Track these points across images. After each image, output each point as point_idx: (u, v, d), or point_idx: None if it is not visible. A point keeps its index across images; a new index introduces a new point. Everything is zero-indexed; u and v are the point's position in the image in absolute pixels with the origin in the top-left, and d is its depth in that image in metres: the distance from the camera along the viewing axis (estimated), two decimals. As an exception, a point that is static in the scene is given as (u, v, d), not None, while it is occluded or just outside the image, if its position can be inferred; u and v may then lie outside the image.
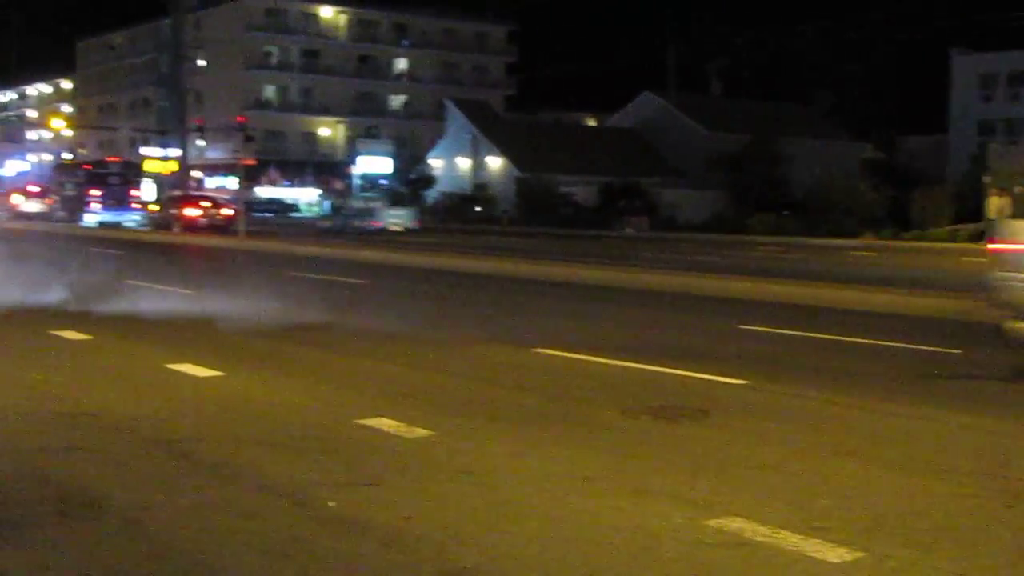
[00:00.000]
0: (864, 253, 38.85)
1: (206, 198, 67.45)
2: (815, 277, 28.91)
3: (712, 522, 7.28)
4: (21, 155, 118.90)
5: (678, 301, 23.12)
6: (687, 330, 18.31)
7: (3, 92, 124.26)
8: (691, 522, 7.31)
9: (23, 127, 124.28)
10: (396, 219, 62.60)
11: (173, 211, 63.23)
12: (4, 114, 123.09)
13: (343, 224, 63.53)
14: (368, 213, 64.36)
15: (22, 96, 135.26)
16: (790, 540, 6.89)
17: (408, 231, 59.64)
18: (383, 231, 64.35)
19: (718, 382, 12.82)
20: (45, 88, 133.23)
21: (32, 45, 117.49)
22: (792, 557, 6.64)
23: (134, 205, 68.24)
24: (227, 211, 63.59)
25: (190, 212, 62.12)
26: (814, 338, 17.29)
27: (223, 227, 59.64)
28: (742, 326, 18.46)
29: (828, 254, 42.30)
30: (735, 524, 7.21)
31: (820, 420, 11.04)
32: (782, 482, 8.50)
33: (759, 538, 6.96)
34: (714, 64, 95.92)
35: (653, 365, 13.89)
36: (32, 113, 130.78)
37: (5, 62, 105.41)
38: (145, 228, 63.37)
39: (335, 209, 71.47)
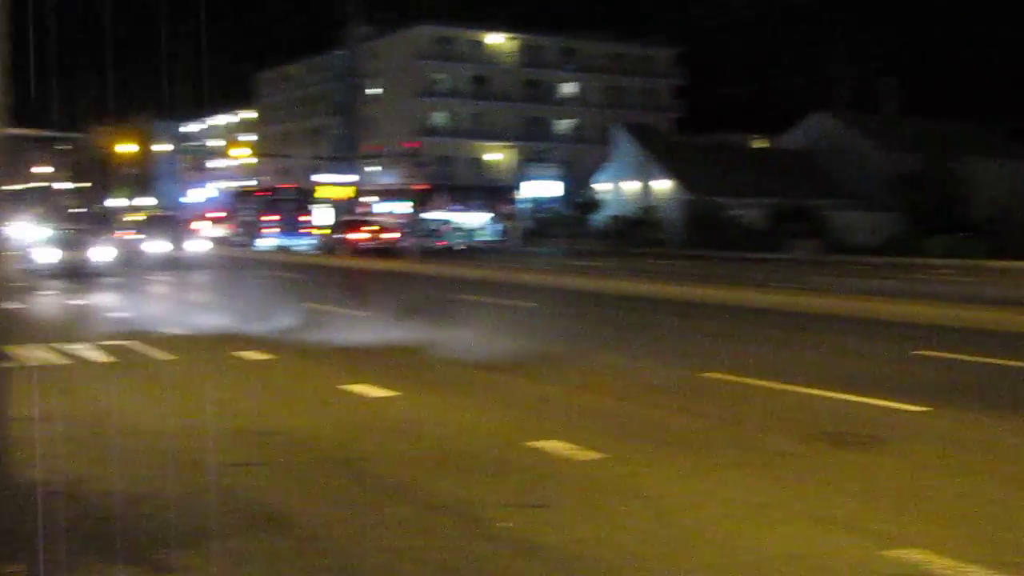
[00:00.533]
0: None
1: (372, 222, 68.23)
2: (996, 302, 27.72)
3: (890, 553, 7.12)
4: (203, 183, 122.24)
5: (850, 326, 22.59)
6: (860, 355, 17.87)
7: (189, 123, 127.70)
8: (868, 553, 7.17)
9: (206, 156, 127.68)
10: (460, 237, 63.74)
11: (339, 235, 64.22)
12: (189, 144, 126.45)
13: (417, 242, 64.04)
14: (436, 232, 66.09)
15: (206, 127, 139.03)
16: (978, 572, 6.66)
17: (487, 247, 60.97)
18: (449, 248, 67.73)
19: (894, 409, 12.48)
20: (227, 119, 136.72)
21: (214, 78, 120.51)
22: None
23: (305, 230, 69.52)
24: (392, 234, 64.44)
25: (354, 236, 62.96)
26: (996, 364, 16.62)
27: (388, 250, 60.27)
28: (917, 352, 17.93)
29: (1011, 277, 40.87)
30: (915, 556, 7.03)
31: (1003, 450, 10.63)
32: (964, 513, 8.25)
33: (939, 571, 6.76)
34: (887, 81, 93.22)
35: (825, 391, 13.61)
36: (215, 143, 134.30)
37: (189, 95, 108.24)
38: (316, 252, 64.50)
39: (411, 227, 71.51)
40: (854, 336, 20.60)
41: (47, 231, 44.28)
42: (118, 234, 53.37)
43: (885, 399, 12.94)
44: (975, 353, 17.41)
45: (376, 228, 65.42)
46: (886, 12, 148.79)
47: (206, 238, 57.56)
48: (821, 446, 10.59)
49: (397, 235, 65.91)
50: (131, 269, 40.65)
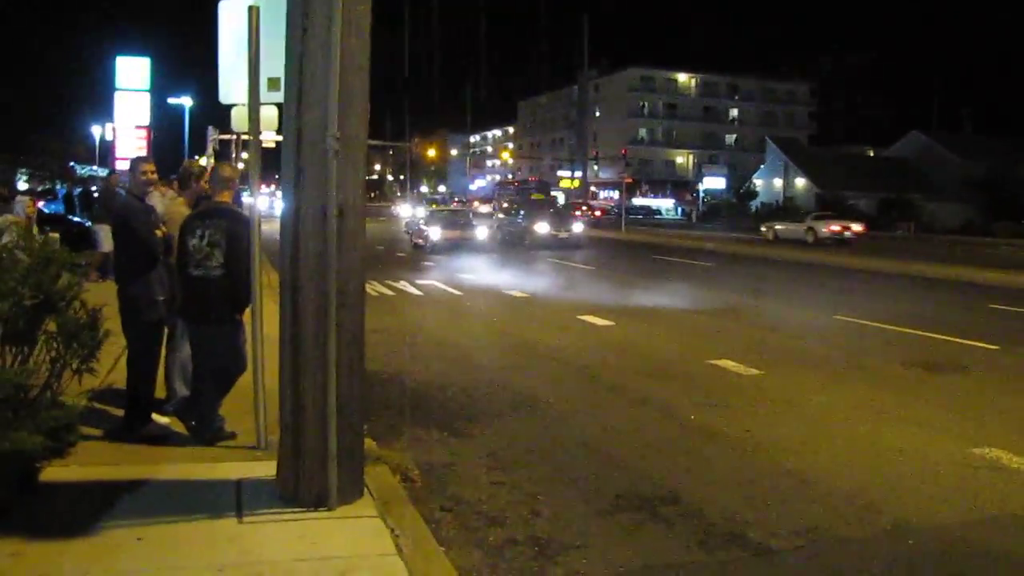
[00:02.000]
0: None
1: (588, 205, 68.31)
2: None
3: (976, 450, 6.84)
4: (483, 176, 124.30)
5: (938, 285, 21.34)
6: (950, 307, 16.87)
7: (473, 135, 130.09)
8: (960, 449, 6.88)
9: (483, 158, 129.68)
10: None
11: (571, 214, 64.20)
12: (473, 149, 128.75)
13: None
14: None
15: (483, 138, 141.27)
16: None
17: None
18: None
19: (976, 346, 11.75)
20: (497, 132, 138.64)
21: (490, 104, 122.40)
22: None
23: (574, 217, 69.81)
24: (598, 213, 64.40)
25: (577, 213, 62.96)
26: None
27: (597, 223, 59.89)
28: (993, 305, 16.82)
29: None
30: (994, 453, 6.75)
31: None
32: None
33: (1015, 464, 6.49)
34: (967, 108, 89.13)
35: (924, 331, 12.93)
36: (489, 149, 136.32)
37: (473, 116, 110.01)
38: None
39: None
40: (942, 292, 19.45)
41: (430, 213, 35.53)
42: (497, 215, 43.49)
43: (970, 339, 12.17)
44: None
45: (588, 208, 65.54)
46: (968, 52, 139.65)
47: (582, 220, 40.61)
48: (919, 370, 10.07)
49: (600, 214, 65.58)
50: (517, 247, 33.51)
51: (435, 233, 29.83)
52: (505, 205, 46.82)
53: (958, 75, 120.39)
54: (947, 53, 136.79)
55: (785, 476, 6.16)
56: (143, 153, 25.03)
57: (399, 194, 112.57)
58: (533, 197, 54.48)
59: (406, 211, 56.86)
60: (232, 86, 6.29)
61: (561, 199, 78.63)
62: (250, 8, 5.84)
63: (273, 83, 5.83)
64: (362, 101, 4.85)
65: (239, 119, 6.75)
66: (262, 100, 5.97)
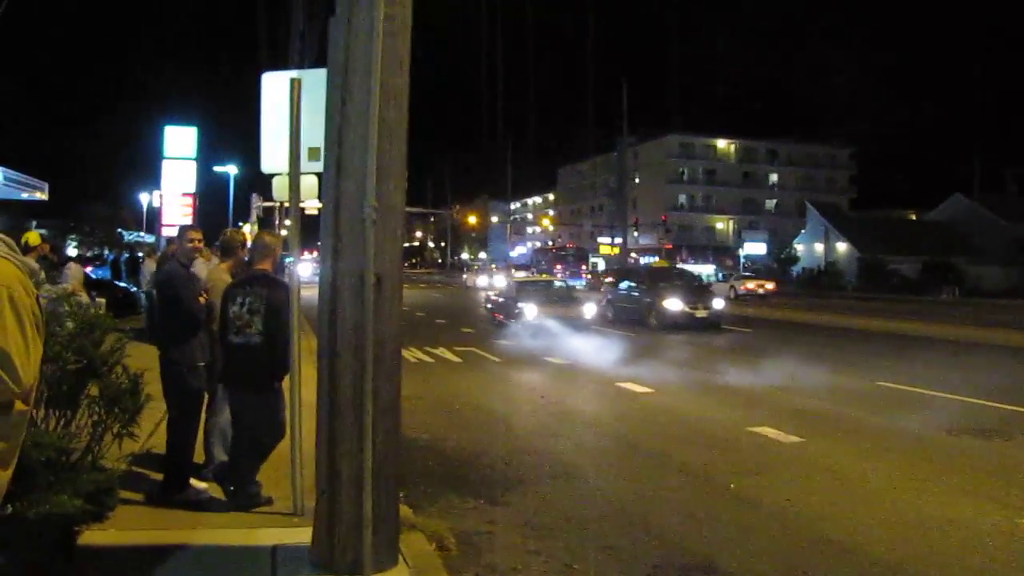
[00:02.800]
0: None
1: (624, 269, 68.43)
2: None
3: (1023, 520, 6.65)
4: (523, 243, 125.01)
5: (984, 349, 20.90)
6: (991, 371, 16.48)
7: (513, 202, 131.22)
8: (1007, 519, 6.72)
9: (524, 224, 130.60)
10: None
11: (599, 279, 64.72)
12: (513, 216, 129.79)
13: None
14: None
15: (523, 204, 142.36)
16: None
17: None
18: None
19: (1021, 412, 11.45)
20: (537, 199, 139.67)
21: (530, 171, 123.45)
22: None
23: (583, 275, 69.63)
24: None
25: (608, 280, 63.11)
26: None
27: None
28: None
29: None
30: None
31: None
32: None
33: None
34: (1010, 170, 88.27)
35: (970, 397, 12.65)
36: (529, 215, 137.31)
37: (507, 181, 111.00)
38: (581, 289, 64.69)
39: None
40: (988, 356, 19.06)
41: (518, 284, 27.95)
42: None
43: (1013, 405, 11.91)
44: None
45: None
46: (1011, 113, 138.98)
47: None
48: (968, 438, 9.85)
49: None
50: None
51: (530, 310, 23.40)
52: (610, 276, 36.57)
53: (1001, 137, 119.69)
54: (989, 115, 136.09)
55: (826, 546, 6.04)
56: (189, 220, 25.55)
57: (459, 259, 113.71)
58: (655, 265, 47.98)
59: (482, 280, 57.42)
60: (274, 155, 6.44)
61: (601, 265, 78.89)
62: (292, 80, 6.02)
63: (313, 153, 5.97)
64: (400, 171, 4.94)
65: (280, 188, 6.90)
66: (302, 169, 6.11)
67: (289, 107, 5.99)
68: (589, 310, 24.66)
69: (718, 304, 26.70)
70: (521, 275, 35.21)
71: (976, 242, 72.67)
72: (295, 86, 5.97)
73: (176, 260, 6.72)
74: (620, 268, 38.73)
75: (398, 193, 4.95)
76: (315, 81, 5.74)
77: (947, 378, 14.80)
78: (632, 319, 27.25)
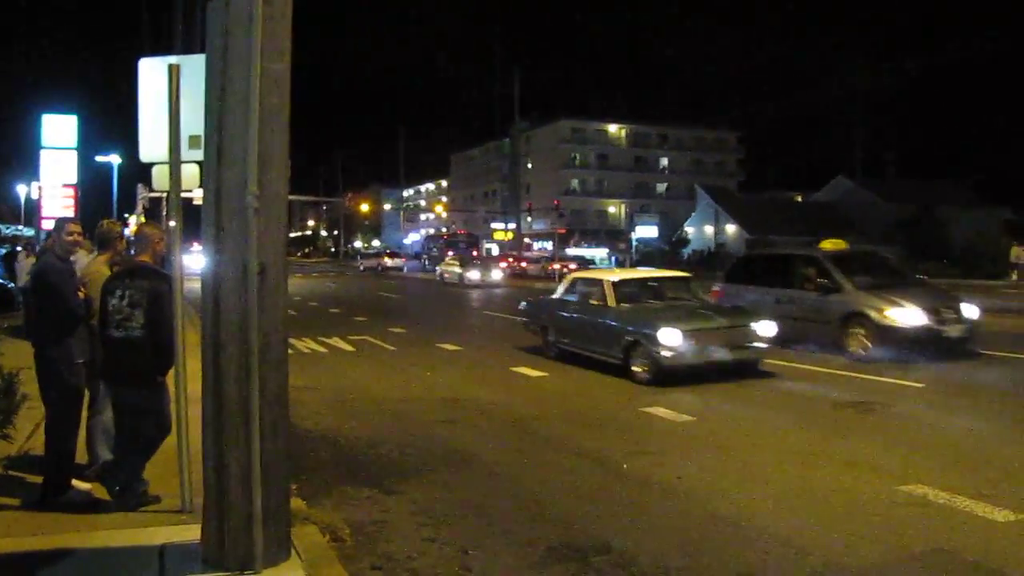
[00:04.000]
0: (1013, 290, 35.77)
1: (513, 256, 68.75)
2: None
3: (904, 488, 6.95)
4: (416, 230, 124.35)
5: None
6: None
7: (406, 189, 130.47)
8: (888, 488, 6.99)
9: (417, 212, 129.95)
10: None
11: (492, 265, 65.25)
12: (407, 203, 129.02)
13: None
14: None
15: (417, 192, 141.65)
16: (964, 503, 6.53)
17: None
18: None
19: (902, 385, 11.96)
20: (430, 186, 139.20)
21: (423, 157, 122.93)
22: (965, 516, 6.29)
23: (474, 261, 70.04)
24: (525, 264, 64.63)
25: (500, 265, 63.95)
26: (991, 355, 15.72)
27: (523, 274, 60.57)
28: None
29: (984, 292, 39.26)
30: (921, 490, 6.86)
31: (985, 415, 10.11)
32: (956, 460, 7.93)
33: (940, 501, 6.60)
34: (888, 153, 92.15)
35: (853, 372, 13.11)
36: (422, 202, 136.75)
37: (400, 169, 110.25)
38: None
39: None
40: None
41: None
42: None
43: (894, 378, 12.37)
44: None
45: (513, 260, 65.99)
46: (887, 101, 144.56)
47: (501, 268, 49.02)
48: (850, 410, 10.21)
49: (527, 265, 65.90)
50: None
51: (671, 336, 12.04)
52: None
53: (880, 120, 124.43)
54: (870, 99, 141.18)
55: (717, 521, 6.22)
56: (71, 213, 24.61)
57: (351, 247, 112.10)
58: (830, 248, 35.69)
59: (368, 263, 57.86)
60: (153, 144, 6.26)
61: (495, 251, 79.11)
62: (170, 66, 5.86)
63: (194, 141, 5.82)
64: (282, 159, 4.87)
65: (160, 177, 6.71)
66: (184, 158, 5.96)
67: (168, 94, 5.83)
68: (766, 328, 13.21)
69: (970, 312, 15.09)
70: (635, 271, 19.16)
71: (859, 222, 75.46)
72: (174, 72, 5.81)
73: (52, 253, 6.48)
74: (757, 255, 23.32)
75: (281, 181, 4.88)
76: (195, 67, 5.60)
77: (826, 355, 15.31)
78: (808, 337, 15.72)
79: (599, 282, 14.35)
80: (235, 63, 4.71)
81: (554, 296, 15.95)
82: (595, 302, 14.07)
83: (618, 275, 14.68)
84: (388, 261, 77.52)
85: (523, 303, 17.62)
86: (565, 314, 14.90)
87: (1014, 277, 43.49)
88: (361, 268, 77.13)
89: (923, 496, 6.70)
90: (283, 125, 4.86)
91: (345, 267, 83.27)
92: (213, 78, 4.82)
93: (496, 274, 47.02)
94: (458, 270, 47.68)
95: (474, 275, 45.79)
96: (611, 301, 13.60)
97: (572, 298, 15.14)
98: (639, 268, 18.51)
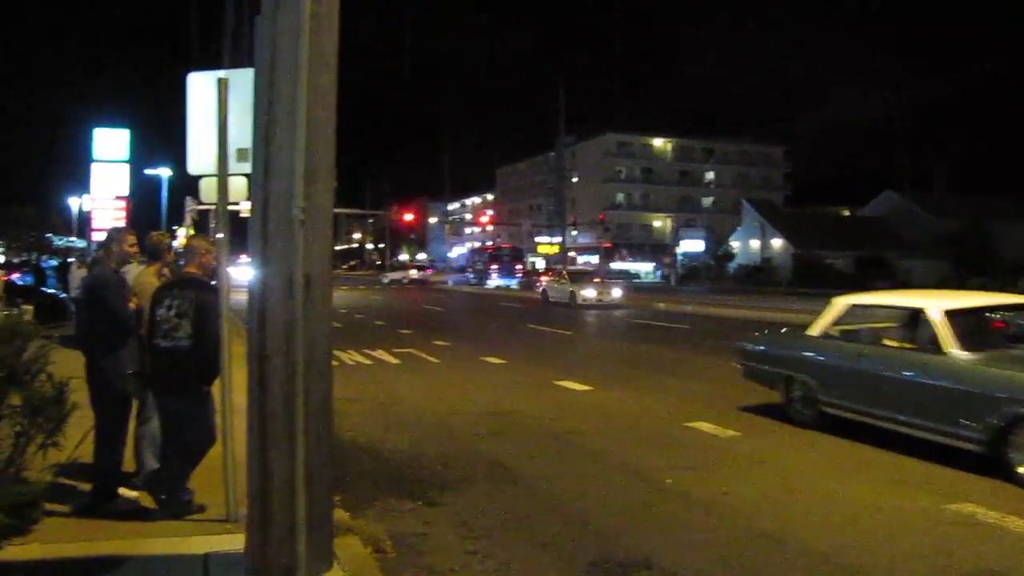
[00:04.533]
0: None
1: (557, 271, 68.87)
2: None
3: (951, 506, 6.84)
4: (462, 243, 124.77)
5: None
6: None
7: (452, 203, 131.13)
8: (935, 506, 6.89)
9: (463, 225, 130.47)
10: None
11: (534, 277, 65.28)
12: (453, 217, 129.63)
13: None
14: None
15: (462, 205, 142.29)
16: (1015, 523, 6.39)
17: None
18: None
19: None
20: (476, 199, 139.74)
21: (469, 171, 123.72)
22: (1017, 537, 6.18)
23: (517, 274, 69.95)
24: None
25: (543, 278, 63.99)
26: None
27: None
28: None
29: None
30: (969, 508, 6.75)
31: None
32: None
33: (989, 520, 6.48)
34: (940, 166, 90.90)
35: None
36: (467, 216, 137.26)
37: (453, 183, 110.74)
38: (515, 288, 64.72)
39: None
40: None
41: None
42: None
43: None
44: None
45: (553, 272, 66.11)
46: (940, 113, 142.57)
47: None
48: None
49: None
50: None
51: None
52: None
53: (931, 134, 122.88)
54: (919, 113, 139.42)
55: (760, 538, 6.14)
56: (122, 224, 25.03)
57: (397, 260, 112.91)
58: None
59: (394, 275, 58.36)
60: (201, 157, 6.34)
61: (540, 264, 79.07)
62: (219, 80, 5.94)
63: (242, 154, 5.90)
64: (328, 172, 4.91)
65: (208, 189, 6.80)
66: (231, 171, 6.04)
67: (217, 107, 5.91)
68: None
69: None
70: (969, 296, 10.87)
71: (907, 237, 74.56)
72: (222, 86, 5.90)
73: (105, 264, 6.58)
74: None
75: (327, 194, 4.91)
76: (243, 81, 5.68)
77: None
78: None
79: (916, 312, 9.29)
80: (282, 76, 4.75)
81: (813, 331, 10.47)
82: (909, 344, 9.30)
83: (948, 300, 9.19)
84: (414, 273, 77.03)
85: (750, 343, 11.66)
86: (842, 362, 9.78)
87: None
88: (386, 280, 75.93)
89: (971, 515, 6.57)
90: (329, 138, 4.90)
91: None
92: (260, 91, 4.87)
93: (616, 292, 39.10)
94: (568, 287, 39.77)
95: (590, 293, 38.32)
96: (948, 344, 8.42)
97: (856, 336, 10.23)
98: (954, 292, 11.91)
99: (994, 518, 6.48)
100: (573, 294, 38.36)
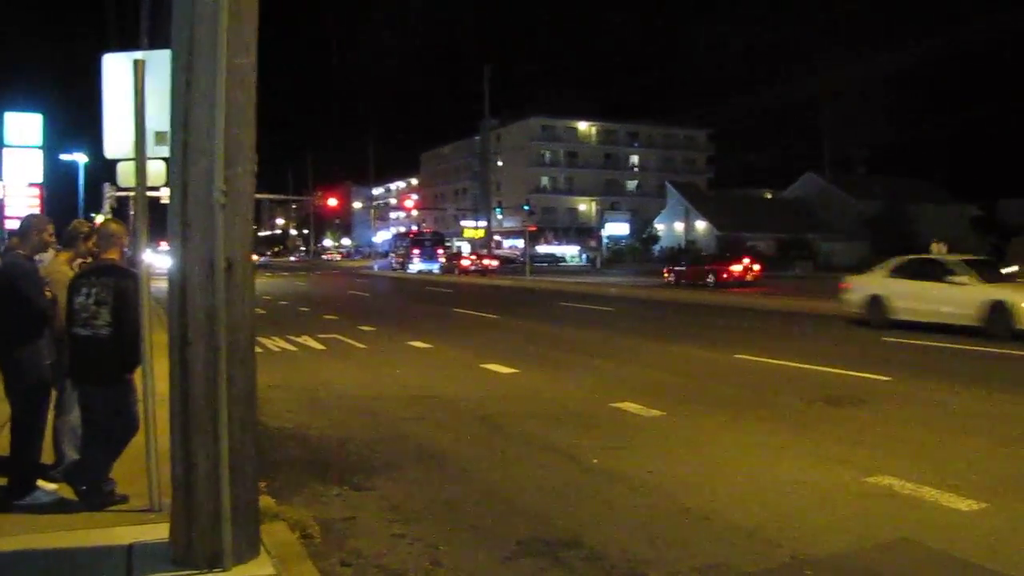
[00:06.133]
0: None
1: (476, 254, 69.30)
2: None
3: (870, 479, 7.06)
4: (387, 228, 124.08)
5: (836, 322, 21.85)
6: (845, 343, 17.36)
7: (377, 187, 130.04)
8: (855, 480, 7.09)
9: (387, 210, 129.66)
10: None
11: (455, 262, 65.73)
12: (378, 202, 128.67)
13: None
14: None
15: (387, 190, 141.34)
16: (930, 493, 6.63)
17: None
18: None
19: (870, 379, 12.14)
20: (401, 184, 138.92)
21: (393, 155, 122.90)
22: (931, 506, 6.39)
23: (438, 259, 70.01)
24: (489, 261, 64.97)
25: (463, 262, 64.63)
26: (946, 347, 16.03)
27: (485, 272, 61.15)
28: (886, 338, 17.35)
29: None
30: (887, 481, 6.96)
31: (949, 408, 10.28)
32: (922, 451, 8.06)
33: (906, 491, 6.70)
34: (859, 151, 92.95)
35: (821, 366, 13.28)
36: (392, 201, 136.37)
37: (370, 167, 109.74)
38: (438, 273, 65.00)
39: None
40: (840, 328, 19.99)
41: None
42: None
43: (864, 372, 12.60)
44: (930, 340, 16.78)
45: (476, 256, 66.55)
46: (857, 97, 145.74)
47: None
48: (820, 405, 10.34)
49: (497, 262, 66.14)
50: None
51: None
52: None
53: (851, 117, 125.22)
54: (837, 97, 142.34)
55: (686, 515, 6.26)
56: (37, 211, 24.32)
57: (321, 246, 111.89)
58: None
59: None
60: (118, 141, 6.20)
61: (466, 248, 79.03)
62: (135, 61, 5.81)
63: (160, 137, 5.78)
64: (249, 155, 4.86)
65: (125, 174, 6.67)
66: (150, 154, 5.91)
67: (133, 89, 5.79)
68: None
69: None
70: None
71: (828, 219, 76.28)
72: (139, 67, 5.77)
73: (17, 253, 6.40)
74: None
75: (247, 177, 4.86)
76: (160, 63, 5.54)
77: (800, 349, 15.53)
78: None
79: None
80: (201, 58, 4.68)
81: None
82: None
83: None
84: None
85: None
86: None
87: None
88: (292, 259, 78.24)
89: (889, 486, 6.80)
90: (250, 120, 4.85)
91: (316, 266, 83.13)
92: (178, 73, 4.79)
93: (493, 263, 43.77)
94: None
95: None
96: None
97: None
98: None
99: (910, 489, 6.70)
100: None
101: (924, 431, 8.91)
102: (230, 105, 4.68)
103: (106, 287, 5.89)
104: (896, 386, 11.63)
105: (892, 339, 17.22)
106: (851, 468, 7.40)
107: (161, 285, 7.12)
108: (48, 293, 6.23)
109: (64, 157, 40.84)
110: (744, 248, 58.42)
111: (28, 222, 6.55)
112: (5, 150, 25.66)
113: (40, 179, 26.51)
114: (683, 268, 43.50)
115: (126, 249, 6.37)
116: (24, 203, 25.94)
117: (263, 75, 4.93)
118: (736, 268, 41.00)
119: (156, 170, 6.47)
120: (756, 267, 41.95)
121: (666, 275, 43.91)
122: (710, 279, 40.19)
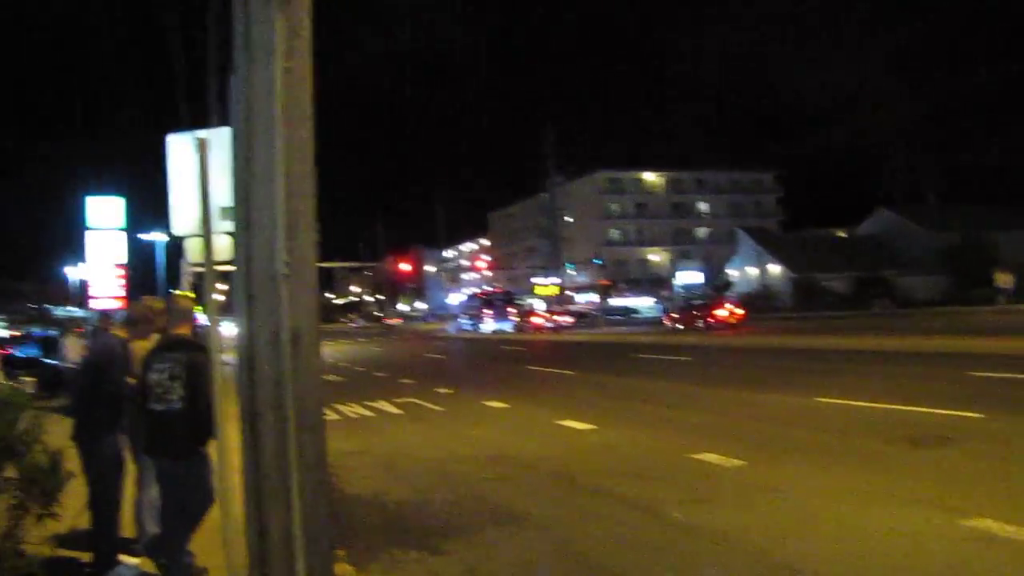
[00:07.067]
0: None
1: (550, 310, 69.53)
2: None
3: (965, 523, 6.74)
4: (458, 290, 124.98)
5: (920, 358, 21.21)
6: (929, 379, 16.81)
7: (447, 250, 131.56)
8: (949, 523, 6.79)
9: (459, 272, 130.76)
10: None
11: (526, 319, 65.91)
12: (449, 264, 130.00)
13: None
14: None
15: (457, 251, 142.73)
16: None
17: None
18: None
19: (958, 416, 11.70)
20: (471, 245, 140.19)
21: (462, 218, 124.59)
22: None
23: (509, 318, 70.17)
24: (562, 318, 64.94)
25: (536, 320, 64.71)
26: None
27: (560, 328, 61.46)
28: (971, 373, 16.75)
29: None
30: (985, 524, 6.63)
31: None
32: (1021, 491, 7.63)
33: (1006, 535, 6.37)
34: (930, 181, 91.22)
35: (905, 406, 12.87)
36: (464, 263, 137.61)
37: (439, 230, 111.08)
38: (511, 332, 65.09)
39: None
40: (923, 365, 19.40)
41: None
42: None
43: (951, 409, 12.15)
44: (1016, 371, 16.16)
45: (551, 314, 66.67)
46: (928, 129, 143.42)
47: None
48: (905, 446, 9.99)
49: (570, 319, 66.11)
50: None
51: None
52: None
53: (921, 148, 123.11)
54: (905, 129, 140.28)
55: (773, 568, 6.07)
56: (122, 292, 25.11)
57: (396, 310, 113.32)
58: None
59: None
60: (185, 217, 6.36)
61: (540, 306, 79.17)
62: (198, 140, 5.98)
63: (225, 212, 5.92)
64: (310, 223, 4.92)
65: (194, 250, 6.82)
66: (215, 230, 6.05)
67: (198, 167, 5.95)
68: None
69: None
70: None
71: (903, 253, 74.45)
72: (202, 145, 5.93)
73: (111, 335, 6.58)
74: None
75: (310, 247, 4.92)
76: (222, 140, 5.71)
77: (883, 389, 15.07)
78: None
79: None
80: (258, 132, 4.78)
81: None
82: None
83: None
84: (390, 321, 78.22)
85: None
86: None
87: (1002, 302, 42.72)
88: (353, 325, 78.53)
89: (987, 530, 6.50)
90: (309, 191, 4.92)
91: (389, 333, 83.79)
92: (238, 149, 4.90)
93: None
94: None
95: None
96: None
97: None
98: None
99: (1011, 532, 6.39)
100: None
101: (1021, 470, 8.54)
102: (289, 177, 4.76)
103: (178, 362, 6.00)
104: (988, 424, 11.18)
105: (979, 373, 16.61)
106: (945, 511, 7.10)
107: (229, 357, 7.24)
108: (133, 380, 6.37)
109: (143, 237, 42.14)
110: (819, 289, 57.50)
111: (143, 314, 6.69)
112: (88, 233, 26.54)
113: (125, 259, 27.32)
114: (677, 315, 51.40)
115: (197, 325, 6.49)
116: (108, 283, 26.73)
117: (333, 146, 5.01)
118: (721, 312, 47.93)
119: (224, 244, 6.61)
120: (739, 311, 48.78)
121: (666, 321, 52.24)
122: (699, 323, 46.88)
